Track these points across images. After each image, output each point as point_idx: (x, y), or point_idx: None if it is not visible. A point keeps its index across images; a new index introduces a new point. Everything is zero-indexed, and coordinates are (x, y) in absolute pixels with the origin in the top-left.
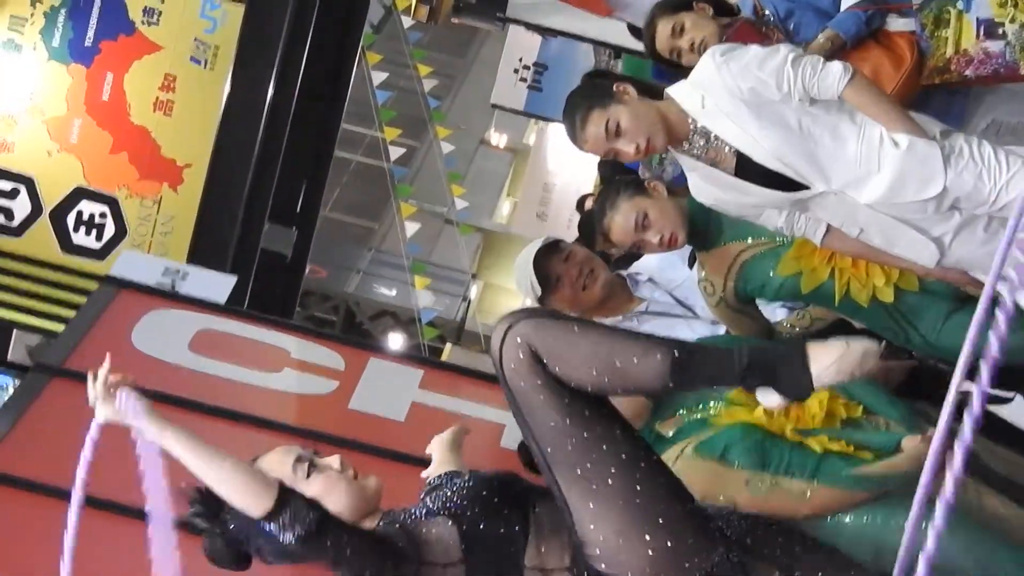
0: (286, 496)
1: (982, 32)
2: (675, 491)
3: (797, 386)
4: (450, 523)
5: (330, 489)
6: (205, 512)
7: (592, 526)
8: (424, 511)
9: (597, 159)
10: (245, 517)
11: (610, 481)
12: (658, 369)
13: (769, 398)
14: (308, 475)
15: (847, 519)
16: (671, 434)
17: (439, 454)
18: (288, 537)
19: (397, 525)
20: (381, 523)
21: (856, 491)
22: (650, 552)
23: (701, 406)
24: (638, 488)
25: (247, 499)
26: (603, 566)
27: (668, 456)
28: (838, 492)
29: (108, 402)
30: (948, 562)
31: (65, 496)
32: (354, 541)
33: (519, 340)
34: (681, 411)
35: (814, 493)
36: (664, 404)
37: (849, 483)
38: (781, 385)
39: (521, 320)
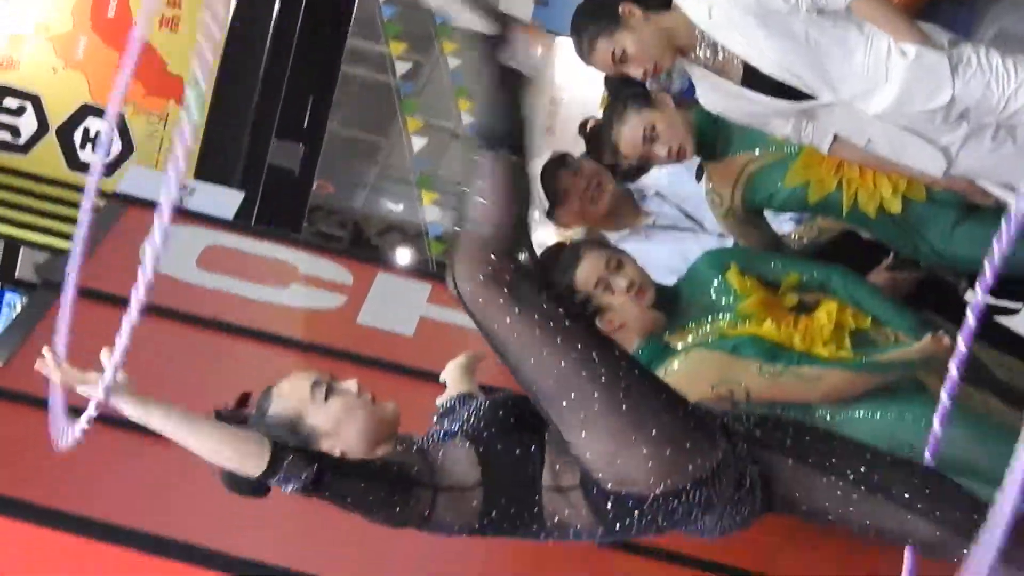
0: (279, 455)
1: None
2: (664, 398)
3: None
4: (468, 444)
5: (347, 413)
6: None
7: (588, 453)
8: (441, 434)
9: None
10: None
11: (596, 407)
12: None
13: None
14: (326, 399)
15: (859, 414)
16: (680, 347)
17: (453, 378)
18: (287, 488)
19: (414, 449)
20: (397, 448)
21: (867, 374)
22: (650, 464)
23: (710, 318)
24: (624, 407)
25: (241, 463)
26: (610, 485)
27: (680, 354)
28: (849, 374)
29: (88, 383)
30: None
31: (76, 414)
32: (353, 488)
33: (471, 272)
34: (691, 324)
35: (826, 375)
36: (675, 319)
37: (860, 367)
38: None
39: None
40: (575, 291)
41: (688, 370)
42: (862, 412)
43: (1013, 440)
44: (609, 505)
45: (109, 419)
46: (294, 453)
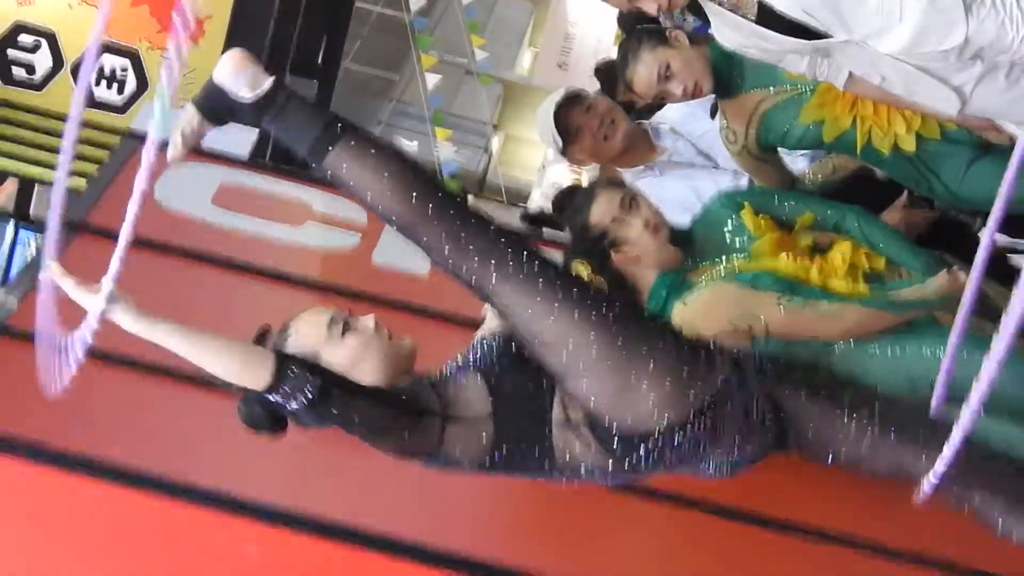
0: (284, 366)
1: None
2: (655, 329)
3: None
4: (479, 377)
5: (365, 349)
6: None
7: (592, 399)
8: (454, 368)
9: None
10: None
11: (593, 351)
12: None
13: None
14: (343, 335)
15: (875, 350)
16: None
17: (491, 318)
18: (293, 405)
19: (425, 382)
20: (412, 381)
21: (887, 312)
22: (651, 398)
23: (724, 258)
24: (619, 344)
25: (246, 375)
26: (615, 424)
27: (698, 286)
28: (869, 311)
29: (91, 296)
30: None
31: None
32: (360, 405)
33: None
34: (705, 263)
35: (846, 311)
36: (688, 259)
37: (880, 304)
38: None
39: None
40: (589, 228)
41: (706, 303)
42: (878, 349)
43: None
44: (616, 443)
45: (121, 359)
46: (300, 364)
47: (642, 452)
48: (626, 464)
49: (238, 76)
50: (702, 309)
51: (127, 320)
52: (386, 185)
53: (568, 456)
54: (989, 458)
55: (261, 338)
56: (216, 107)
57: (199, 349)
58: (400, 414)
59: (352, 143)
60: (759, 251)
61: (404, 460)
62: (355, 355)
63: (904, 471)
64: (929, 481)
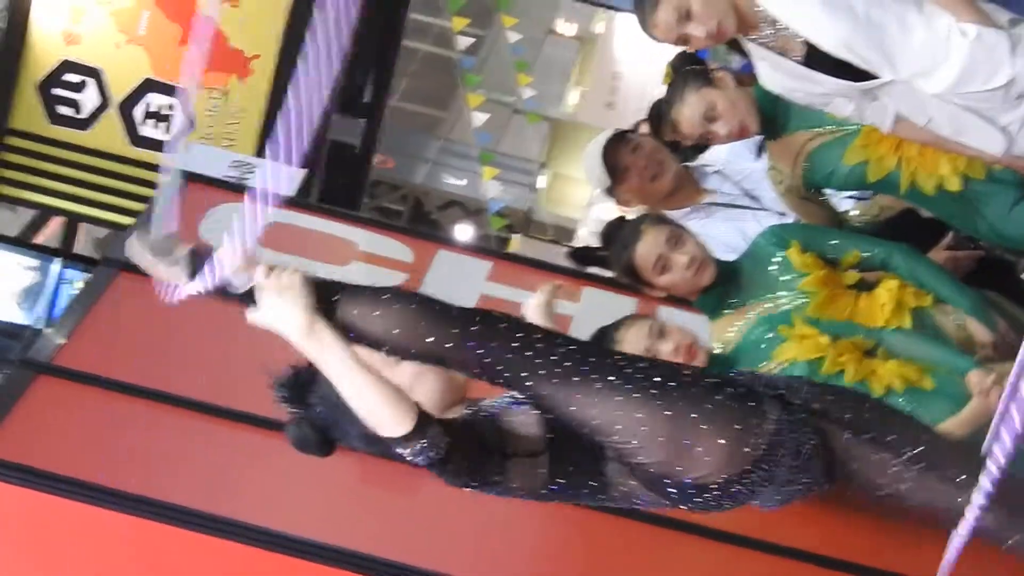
0: (426, 422)
1: None
2: (700, 387)
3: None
4: (536, 414)
5: (421, 376)
6: (292, 396)
7: (652, 468)
8: (509, 400)
9: (666, 49)
10: (332, 401)
11: (644, 428)
12: None
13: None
14: (400, 361)
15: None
16: (731, 347)
17: (530, 317)
18: (420, 460)
19: (482, 415)
20: (465, 412)
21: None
22: (707, 459)
23: (770, 295)
24: (667, 415)
25: (389, 419)
26: (673, 483)
27: None
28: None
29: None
30: None
31: (132, 391)
32: (467, 468)
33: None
34: (752, 301)
35: None
36: (735, 295)
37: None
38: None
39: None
40: (635, 268)
41: None
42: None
43: None
44: (672, 491)
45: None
46: (437, 423)
47: (698, 500)
48: (680, 506)
49: (234, 276)
50: None
51: (297, 313)
52: (399, 338)
53: (623, 489)
54: None
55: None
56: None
57: (355, 378)
58: (470, 453)
59: (351, 310)
60: (805, 289)
61: (460, 488)
62: (412, 379)
63: (943, 510)
64: (967, 520)
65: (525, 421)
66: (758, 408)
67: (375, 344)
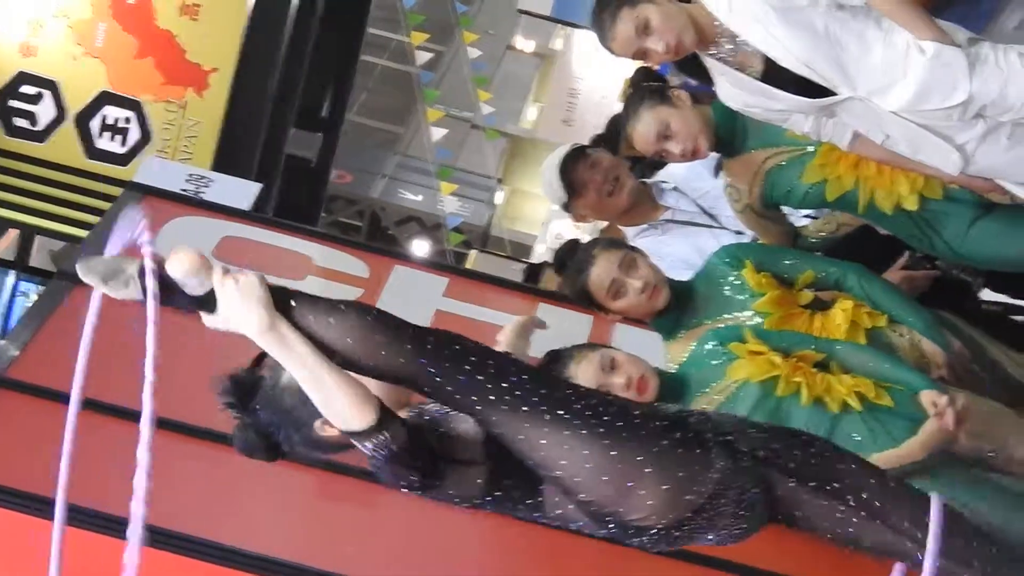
0: (387, 416)
1: None
2: (650, 429)
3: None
4: (476, 422)
5: (366, 379)
6: (236, 402)
7: (593, 506)
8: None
9: (624, 65)
10: (275, 407)
11: (588, 465)
12: None
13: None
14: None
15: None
16: (685, 359)
17: (507, 341)
18: (380, 455)
19: (425, 418)
20: (411, 415)
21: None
22: (650, 503)
23: (725, 315)
24: (613, 454)
25: (349, 413)
26: (613, 519)
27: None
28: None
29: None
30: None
31: (86, 405)
32: (424, 461)
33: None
34: (707, 320)
35: None
36: (689, 315)
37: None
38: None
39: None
40: (589, 293)
41: None
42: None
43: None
44: (612, 525)
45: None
46: (398, 418)
47: (636, 540)
48: (616, 538)
49: (191, 277)
50: None
51: (266, 315)
52: (352, 348)
53: (559, 512)
54: (978, 541)
55: (257, 362)
56: (161, 291)
57: (318, 373)
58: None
59: (306, 315)
60: (760, 309)
61: (400, 491)
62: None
63: (892, 552)
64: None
65: (467, 429)
66: (704, 456)
67: (327, 353)
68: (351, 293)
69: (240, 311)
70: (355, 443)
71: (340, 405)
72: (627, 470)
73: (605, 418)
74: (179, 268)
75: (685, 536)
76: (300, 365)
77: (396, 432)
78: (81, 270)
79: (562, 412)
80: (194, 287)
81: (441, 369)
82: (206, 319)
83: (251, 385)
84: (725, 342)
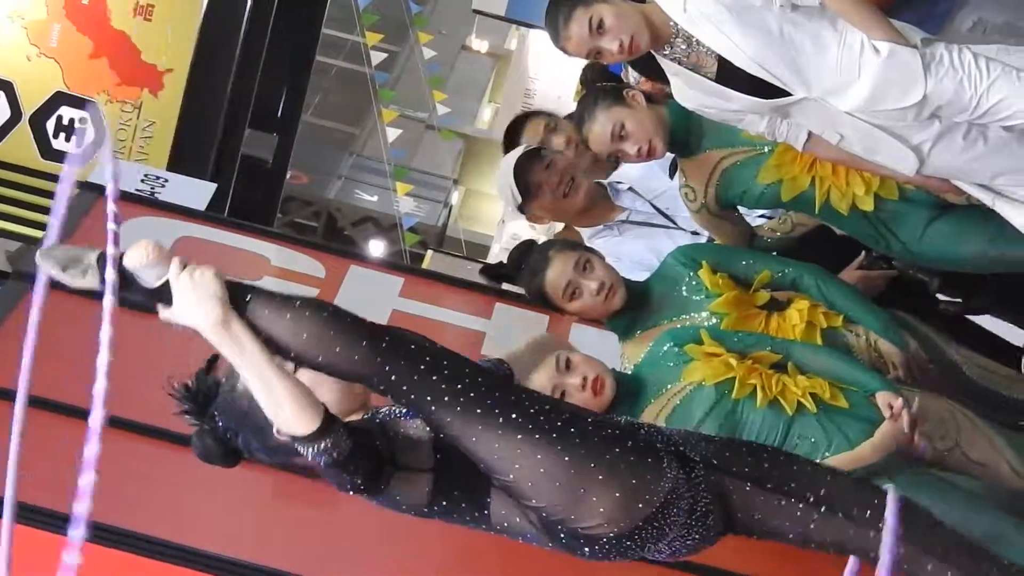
0: (332, 421)
1: None
2: (602, 437)
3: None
4: (426, 429)
5: (321, 382)
6: (194, 409)
7: (544, 511)
8: (402, 412)
9: (579, 66)
10: (233, 413)
11: (541, 470)
12: None
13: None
14: (296, 369)
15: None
16: (641, 359)
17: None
18: (321, 460)
19: (377, 420)
20: (364, 416)
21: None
22: (601, 510)
23: (682, 316)
24: (567, 460)
25: (295, 418)
26: (564, 527)
27: (645, 417)
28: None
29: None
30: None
31: (44, 405)
32: (368, 466)
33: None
34: (663, 321)
35: None
36: (646, 316)
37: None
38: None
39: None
40: (545, 294)
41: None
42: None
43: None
44: (563, 535)
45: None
46: (341, 425)
47: (587, 549)
48: (566, 549)
49: (148, 269)
50: None
51: (213, 307)
52: (308, 344)
53: (507, 524)
54: (937, 529)
55: (211, 365)
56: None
57: (266, 375)
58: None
59: (262, 311)
60: (716, 309)
61: (348, 494)
62: (312, 384)
63: (851, 548)
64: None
65: (416, 435)
66: (656, 464)
67: (282, 349)
68: (308, 293)
69: (193, 305)
70: (298, 448)
71: (285, 408)
72: (579, 476)
73: (558, 423)
74: (137, 259)
75: (636, 546)
76: (248, 364)
77: (337, 440)
78: (39, 257)
79: (516, 416)
80: (150, 279)
81: (396, 368)
82: (162, 312)
83: (208, 391)
84: (681, 343)
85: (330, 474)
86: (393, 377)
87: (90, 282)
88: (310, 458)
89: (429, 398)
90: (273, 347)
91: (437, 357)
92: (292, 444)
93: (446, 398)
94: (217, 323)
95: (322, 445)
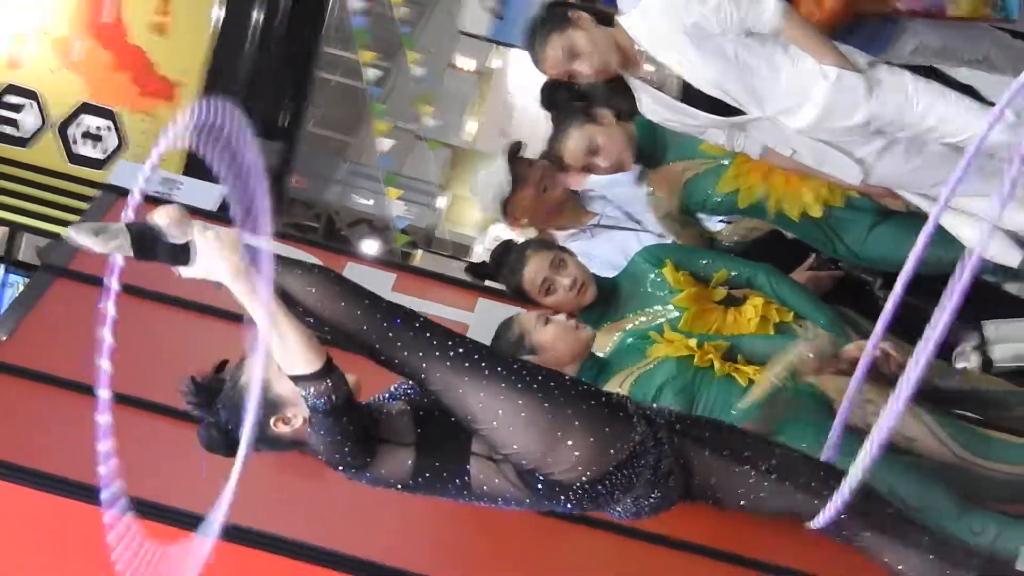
0: (332, 364)
1: None
2: (579, 390)
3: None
4: (407, 408)
5: None
6: (199, 403)
7: (524, 459)
8: (387, 395)
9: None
10: (234, 407)
11: (523, 415)
12: None
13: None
14: None
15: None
16: (608, 351)
17: None
18: (321, 402)
19: (364, 410)
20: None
21: (748, 422)
22: (576, 454)
23: (646, 309)
24: (546, 407)
25: (302, 356)
26: (541, 476)
27: (611, 387)
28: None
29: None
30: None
31: (66, 385)
32: (357, 428)
33: None
34: (629, 314)
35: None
36: (614, 309)
37: (740, 418)
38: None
39: None
40: (523, 290)
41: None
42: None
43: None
44: (540, 485)
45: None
46: (340, 371)
47: (563, 498)
48: (545, 503)
49: (174, 227)
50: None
51: (233, 260)
52: (315, 298)
53: (486, 488)
54: (875, 501)
55: (219, 370)
56: (145, 244)
57: (278, 317)
58: (361, 445)
59: (276, 265)
60: (678, 304)
61: (337, 471)
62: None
63: (798, 513)
64: (819, 521)
65: (398, 414)
66: (626, 419)
67: (292, 301)
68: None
69: (216, 257)
70: (300, 390)
71: (292, 347)
72: (557, 421)
73: (539, 377)
74: (163, 218)
75: (607, 493)
76: (262, 307)
77: (338, 382)
78: (72, 230)
79: (500, 369)
80: (175, 235)
81: (392, 326)
82: (183, 271)
83: (213, 388)
84: (645, 334)
85: (324, 424)
86: (390, 334)
87: (120, 244)
88: (311, 400)
89: (421, 354)
90: (284, 300)
91: (428, 322)
92: (300, 437)
93: (437, 353)
94: (238, 271)
95: (323, 386)
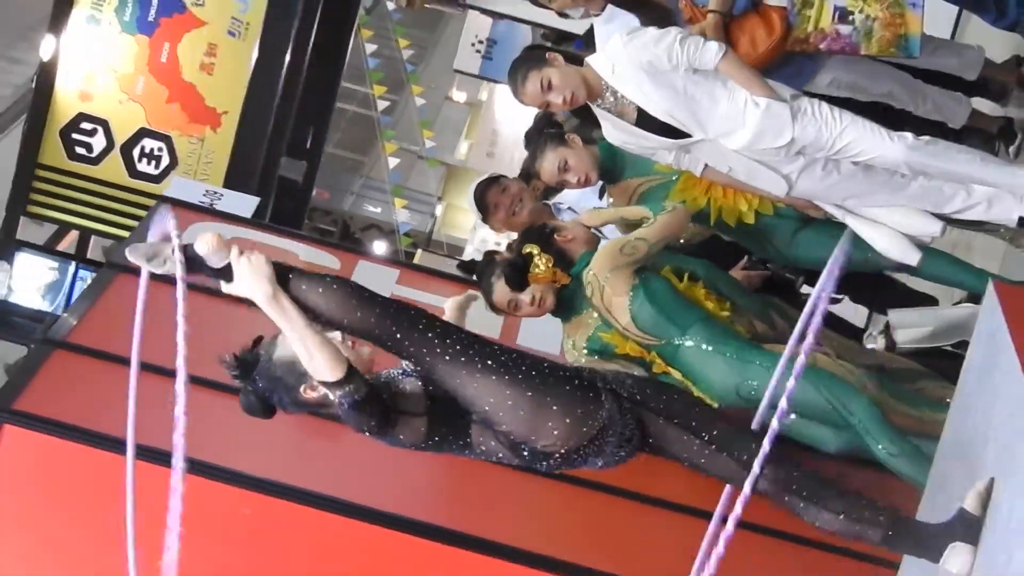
0: (353, 372)
1: (837, 16)
2: (557, 376)
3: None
4: (419, 383)
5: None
6: (240, 374)
7: (512, 435)
8: (402, 371)
9: (534, 113)
10: (269, 377)
11: (509, 403)
12: None
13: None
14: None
15: (720, 355)
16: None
17: (448, 313)
18: (347, 401)
19: (382, 379)
20: (370, 378)
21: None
22: (556, 432)
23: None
24: (528, 394)
25: (328, 367)
26: (527, 446)
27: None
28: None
29: (239, 259)
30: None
31: (128, 362)
32: (378, 410)
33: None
34: (584, 311)
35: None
36: (576, 305)
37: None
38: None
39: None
40: (495, 308)
41: (599, 255)
42: (724, 353)
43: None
44: (526, 452)
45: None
46: (360, 375)
47: (544, 462)
48: (530, 463)
49: (213, 255)
50: (598, 259)
51: (264, 284)
52: (334, 308)
53: (483, 448)
54: (792, 468)
55: (255, 343)
56: (192, 267)
57: (305, 334)
58: (384, 419)
59: (300, 285)
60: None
61: (364, 435)
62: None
63: (734, 480)
64: (748, 485)
65: (412, 388)
66: (596, 399)
67: (314, 313)
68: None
69: (251, 283)
70: (328, 392)
71: (319, 361)
72: (538, 406)
73: (523, 367)
74: (204, 247)
75: (581, 459)
76: (292, 328)
77: (358, 385)
78: (129, 252)
79: (491, 362)
80: (215, 262)
81: (400, 327)
82: (224, 287)
83: (251, 361)
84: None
85: (351, 415)
86: (398, 335)
87: (169, 268)
88: (338, 400)
89: (425, 350)
90: (310, 313)
91: (431, 320)
92: (325, 400)
93: (438, 350)
94: (268, 296)
95: (347, 388)
